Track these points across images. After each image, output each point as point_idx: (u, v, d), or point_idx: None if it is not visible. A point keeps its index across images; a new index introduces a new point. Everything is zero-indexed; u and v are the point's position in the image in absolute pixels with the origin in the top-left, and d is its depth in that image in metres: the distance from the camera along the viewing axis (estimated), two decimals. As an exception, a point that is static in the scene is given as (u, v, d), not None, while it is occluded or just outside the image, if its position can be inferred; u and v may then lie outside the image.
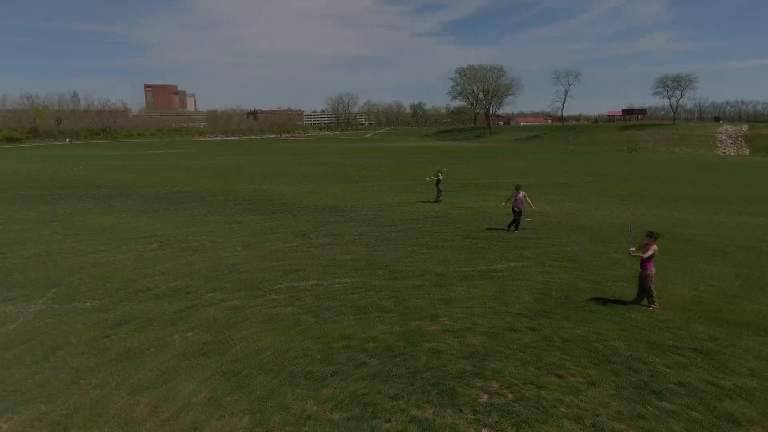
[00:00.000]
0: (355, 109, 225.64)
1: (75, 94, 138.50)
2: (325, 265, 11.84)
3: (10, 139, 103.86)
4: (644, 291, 9.05)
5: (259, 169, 38.80)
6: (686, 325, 8.18)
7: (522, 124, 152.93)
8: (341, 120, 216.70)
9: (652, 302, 9.02)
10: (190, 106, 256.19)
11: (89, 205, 21.20)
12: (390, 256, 12.68)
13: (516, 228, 15.52)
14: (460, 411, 5.64)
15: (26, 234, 15.36)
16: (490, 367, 6.67)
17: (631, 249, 9.29)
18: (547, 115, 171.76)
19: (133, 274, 11.11)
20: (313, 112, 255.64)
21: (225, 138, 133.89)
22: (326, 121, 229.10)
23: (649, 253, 8.93)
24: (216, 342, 7.58)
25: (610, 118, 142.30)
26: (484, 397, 5.93)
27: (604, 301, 9.29)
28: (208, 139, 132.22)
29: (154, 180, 31.06)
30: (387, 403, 5.81)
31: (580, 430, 5.32)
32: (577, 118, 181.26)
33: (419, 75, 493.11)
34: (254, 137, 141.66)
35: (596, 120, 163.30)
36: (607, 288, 10.12)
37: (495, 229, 16.10)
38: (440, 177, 22.54)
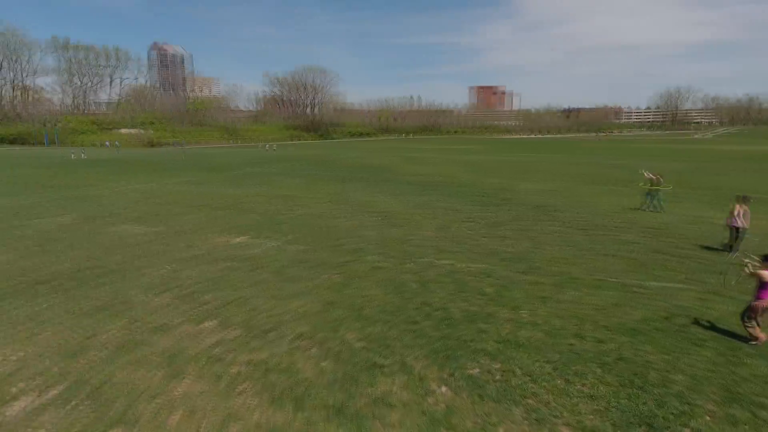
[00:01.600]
0: (687, 105, 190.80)
1: (412, 97, 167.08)
2: (467, 251, 13.30)
3: (362, 134, 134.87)
4: None
5: (523, 166, 39.93)
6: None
7: None
8: (668, 118, 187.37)
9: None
10: (515, 105, 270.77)
11: (361, 185, 27.66)
12: (546, 256, 12.94)
13: (731, 250, 12.79)
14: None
15: (308, 201, 22.09)
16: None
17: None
18: None
19: (344, 234, 15.30)
20: (636, 109, 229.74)
21: (534, 137, 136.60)
22: (650, 120, 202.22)
23: None
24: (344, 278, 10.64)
25: None
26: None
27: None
28: (516, 137, 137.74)
29: (425, 170, 36.62)
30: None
31: None
32: None
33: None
34: (565, 136, 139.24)
35: None
36: None
37: (710, 248, 13.63)
38: (656, 184, 20.15)
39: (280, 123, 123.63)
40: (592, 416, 5.87)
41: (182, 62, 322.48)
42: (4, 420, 5.79)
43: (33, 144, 76.40)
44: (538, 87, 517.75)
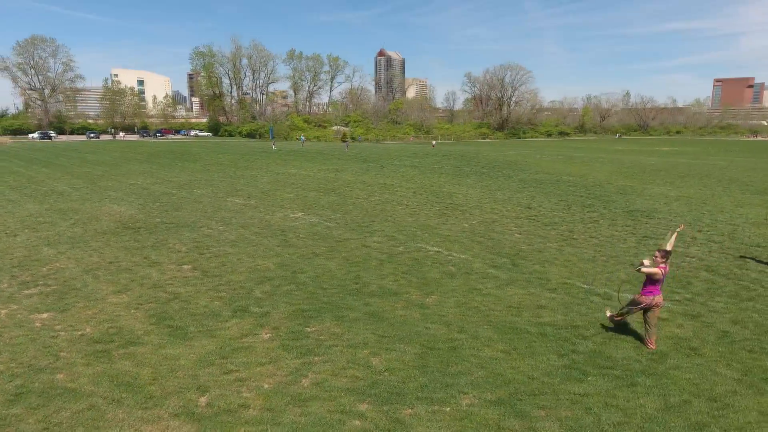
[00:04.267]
0: None
1: (628, 93, 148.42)
2: (456, 241, 13.18)
3: (562, 133, 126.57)
4: None
5: (683, 169, 33.08)
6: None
7: None
8: None
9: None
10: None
11: (473, 179, 27.57)
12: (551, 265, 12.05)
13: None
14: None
15: (398, 189, 23.51)
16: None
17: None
18: None
19: (381, 219, 16.57)
20: None
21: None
22: None
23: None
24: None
25: None
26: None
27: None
28: (762, 139, 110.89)
29: (565, 169, 33.72)
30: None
31: None
32: None
33: None
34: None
35: None
36: None
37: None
38: None
39: (473, 122, 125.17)
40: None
41: (402, 66, 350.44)
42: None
43: (260, 137, 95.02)
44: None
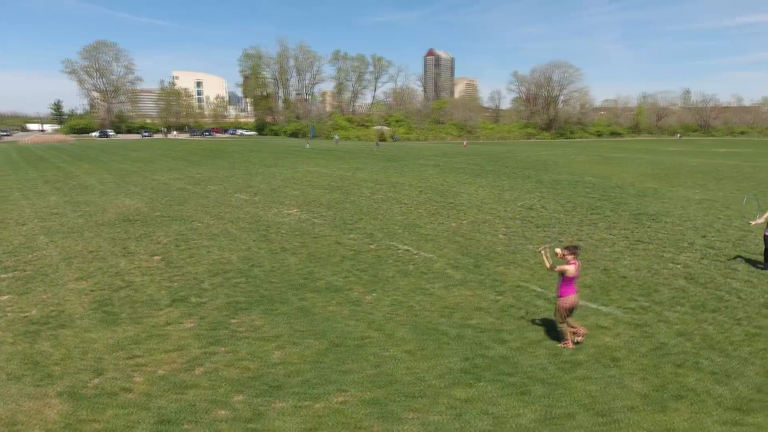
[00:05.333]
0: None
1: (688, 92, 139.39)
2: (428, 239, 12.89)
3: (614, 134, 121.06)
4: None
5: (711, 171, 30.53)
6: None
7: None
8: None
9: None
10: None
11: (487, 179, 26.88)
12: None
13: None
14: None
15: (404, 188, 23.33)
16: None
17: None
18: None
19: (372, 217, 16.55)
20: None
21: None
22: None
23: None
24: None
25: None
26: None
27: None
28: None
29: (587, 170, 32.15)
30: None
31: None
32: None
33: None
34: None
35: None
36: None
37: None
38: None
39: (519, 122, 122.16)
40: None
41: (451, 66, 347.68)
42: None
43: (302, 137, 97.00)
44: None
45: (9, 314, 8.22)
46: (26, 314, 8.22)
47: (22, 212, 17.09)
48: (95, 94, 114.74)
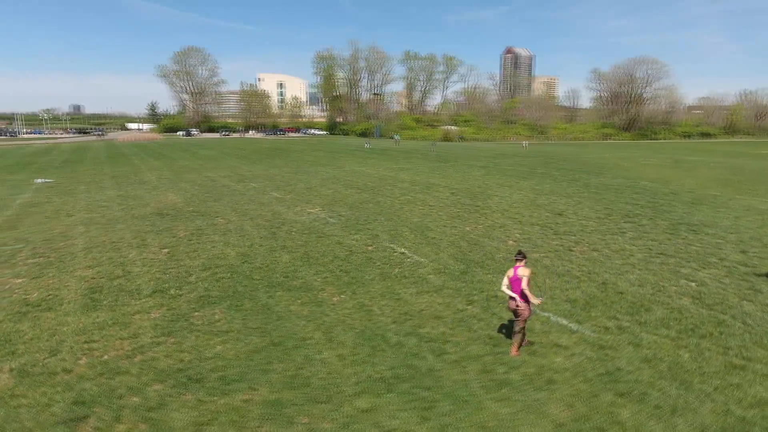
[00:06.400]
0: None
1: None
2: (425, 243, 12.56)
3: (704, 134, 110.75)
4: None
5: None
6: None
7: None
8: None
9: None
10: None
11: (534, 181, 25.67)
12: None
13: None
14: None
15: (439, 189, 22.94)
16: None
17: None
18: None
19: (389, 218, 16.53)
20: None
21: None
22: None
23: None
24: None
25: None
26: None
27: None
28: None
29: (647, 174, 29.51)
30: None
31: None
32: None
33: None
34: None
35: None
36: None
37: None
38: None
39: (597, 122, 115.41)
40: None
41: (530, 63, 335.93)
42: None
43: (369, 136, 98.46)
44: None
45: (14, 295, 9.23)
46: (27, 296, 9.18)
47: (77, 204, 19.00)
48: (184, 95, 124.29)
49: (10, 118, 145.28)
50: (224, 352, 6.99)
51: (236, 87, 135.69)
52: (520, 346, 6.98)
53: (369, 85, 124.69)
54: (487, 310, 8.59)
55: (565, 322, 8.05)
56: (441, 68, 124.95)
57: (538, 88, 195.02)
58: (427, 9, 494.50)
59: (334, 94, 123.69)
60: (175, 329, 7.76)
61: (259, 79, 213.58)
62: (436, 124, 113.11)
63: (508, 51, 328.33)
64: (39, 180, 26.00)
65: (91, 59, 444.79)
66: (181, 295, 9.23)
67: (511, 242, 13.39)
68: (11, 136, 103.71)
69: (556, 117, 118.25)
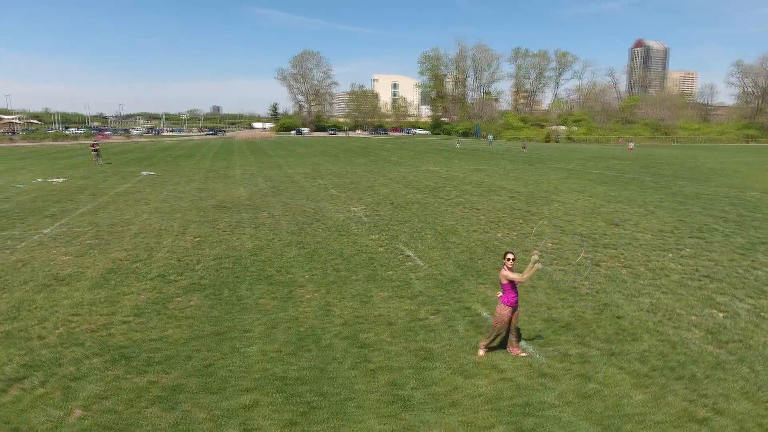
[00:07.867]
0: None
1: None
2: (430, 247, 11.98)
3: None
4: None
5: None
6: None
7: None
8: None
9: None
10: None
11: (617, 187, 23.21)
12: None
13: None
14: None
15: (503, 189, 21.79)
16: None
17: None
18: None
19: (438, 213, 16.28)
20: None
21: None
22: None
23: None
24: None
25: None
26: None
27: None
28: None
29: (762, 183, 24.82)
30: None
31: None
32: None
33: None
34: None
35: None
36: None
37: None
38: None
39: (738, 122, 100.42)
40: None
41: (664, 57, 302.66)
42: (77, 241, 13.26)
43: (471, 136, 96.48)
44: None
45: (52, 270, 10.81)
46: (60, 272, 10.70)
47: (158, 195, 21.49)
48: (300, 97, 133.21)
49: (157, 118, 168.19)
50: (170, 336, 7.54)
51: (347, 88, 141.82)
52: (488, 349, 7.05)
53: (475, 83, 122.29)
54: (448, 320, 8.13)
55: (522, 343, 7.31)
56: (552, 65, 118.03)
57: (672, 84, 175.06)
58: (544, 5, 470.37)
59: (439, 93, 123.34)
60: (147, 311, 8.52)
61: (374, 80, 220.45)
62: (543, 123, 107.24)
63: (638, 44, 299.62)
64: (144, 173, 29.84)
65: (228, 66, 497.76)
66: (175, 282, 10.08)
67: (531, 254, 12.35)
68: (156, 133, 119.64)
69: (686, 116, 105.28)
